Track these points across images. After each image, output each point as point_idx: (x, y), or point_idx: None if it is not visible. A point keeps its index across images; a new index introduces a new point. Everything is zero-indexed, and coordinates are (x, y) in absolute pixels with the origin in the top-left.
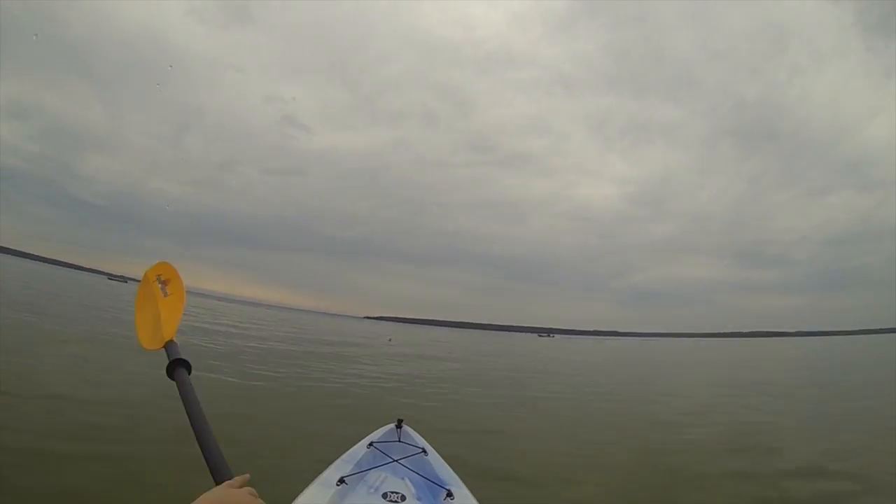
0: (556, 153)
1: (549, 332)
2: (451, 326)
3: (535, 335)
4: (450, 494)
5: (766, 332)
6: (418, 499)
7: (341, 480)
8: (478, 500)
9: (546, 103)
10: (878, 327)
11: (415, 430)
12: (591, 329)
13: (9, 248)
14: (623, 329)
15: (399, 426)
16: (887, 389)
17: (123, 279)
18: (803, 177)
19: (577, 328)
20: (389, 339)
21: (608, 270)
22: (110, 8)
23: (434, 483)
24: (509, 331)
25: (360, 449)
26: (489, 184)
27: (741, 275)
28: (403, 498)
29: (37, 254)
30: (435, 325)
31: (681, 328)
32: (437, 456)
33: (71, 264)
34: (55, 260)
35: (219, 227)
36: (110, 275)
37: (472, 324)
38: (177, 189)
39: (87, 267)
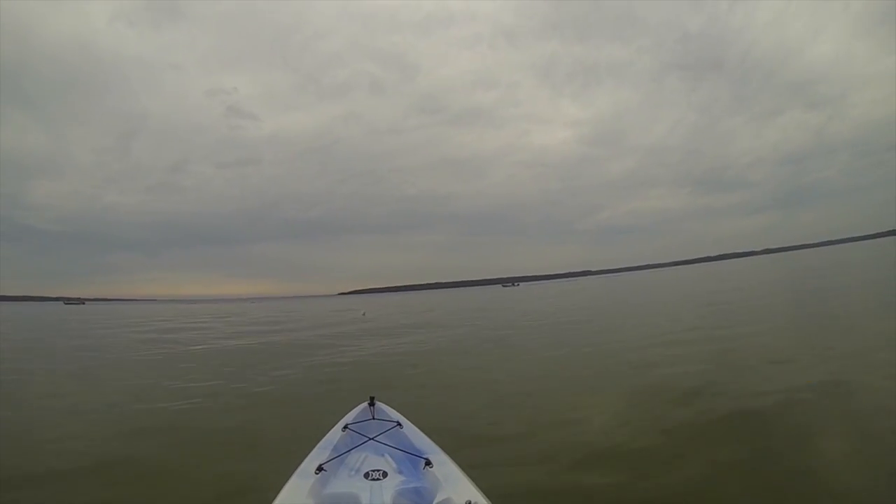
0: (507, 104)
1: (514, 281)
2: (424, 289)
3: (500, 286)
4: (428, 462)
5: (734, 253)
6: (399, 472)
7: (320, 468)
8: (455, 462)
9: (491, 56)
10: (841, 237)
11: (387, 404)
12: (564, 272)
13: None
14: (595, 268)
15: (372, 403)
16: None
17: (80, 301)
18: (753, 101)
19: (549, 273)
20: (363, 314)
21: (573, 212)
22: (33, 24)
23: (412, 454)
24: (480, 285)
25: (335, 433)
26: (444, 143)
27: (703, 201)
28: (385, 474)
29: (28, 294)
30: (408, 290)
31: (651, 260)
32: (412, 427)
33: (36, 297)
34: (21, 297)
35: (181, 230)
36: (66, 298)
37: (444, 283)
38: (132, 199)
39: (54, 296)
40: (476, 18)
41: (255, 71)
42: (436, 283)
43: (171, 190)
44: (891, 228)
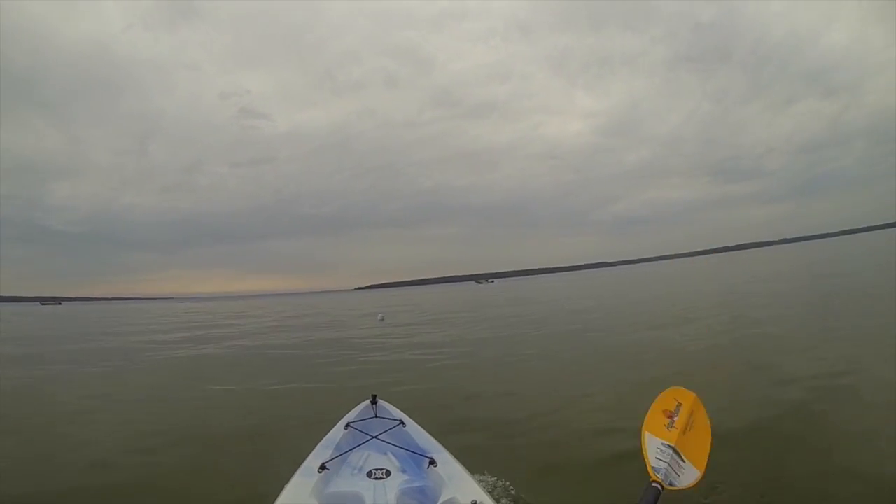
0: (521, 97)
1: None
2: (444, 283)
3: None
4: (432, 462)
5: (752, 243)
6: (403, 471)
7: (322, 467)
8: (460, 461)
9: (505, 50)
10: (859, 226)
11: (389, 402)
12: (579, 264)
13: None
14: (612, 259)
15: (374, 402)
16: None
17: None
18: (767, 90)
19: (564, 265)
20: (381, 319)
21: (588, 204)
22: (49, 32)
23: (416, 453)
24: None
25: (337, 431)
26: (459, 136)
27: (719, 191)
28: (388, 473)
29: (19, 295)
30: (426, 284)
31: (670, 250)
32: (415, 425)
33: (21, 298)
34: (36, 297)
35: (197, 228)
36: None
37: (462, 277)
38: (149, 200)
39: (73, 296)
40: (490, 13)
41: (269, 70)
42: (455, 277)
43: (186, 190)
44: None
